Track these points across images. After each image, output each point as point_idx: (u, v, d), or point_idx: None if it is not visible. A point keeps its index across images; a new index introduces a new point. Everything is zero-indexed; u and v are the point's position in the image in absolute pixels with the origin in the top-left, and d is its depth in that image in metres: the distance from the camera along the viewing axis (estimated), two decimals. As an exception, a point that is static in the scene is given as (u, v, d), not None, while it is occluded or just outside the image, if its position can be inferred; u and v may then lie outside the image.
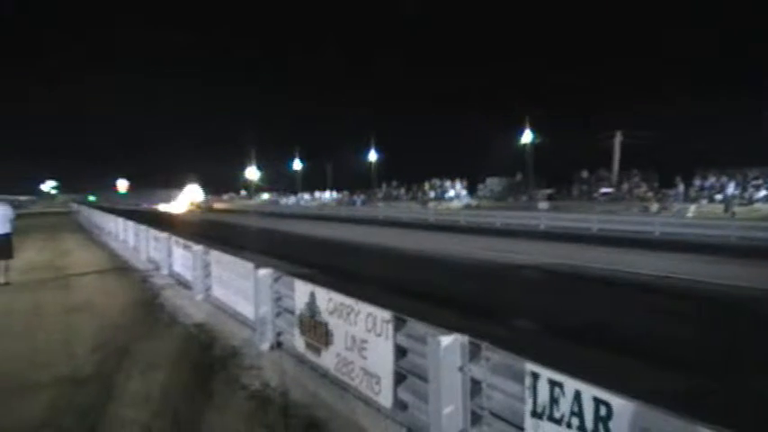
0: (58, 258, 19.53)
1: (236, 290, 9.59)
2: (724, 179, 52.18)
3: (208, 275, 11.32)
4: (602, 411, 3.09)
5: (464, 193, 78.59)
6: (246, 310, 8.82)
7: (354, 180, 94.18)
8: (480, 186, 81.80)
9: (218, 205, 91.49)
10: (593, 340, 8.18)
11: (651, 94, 77.77)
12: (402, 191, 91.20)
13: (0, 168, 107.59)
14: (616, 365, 6.86)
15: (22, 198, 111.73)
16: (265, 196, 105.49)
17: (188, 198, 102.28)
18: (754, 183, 49.79)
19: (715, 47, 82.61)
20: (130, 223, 22.91)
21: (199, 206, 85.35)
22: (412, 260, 18.84)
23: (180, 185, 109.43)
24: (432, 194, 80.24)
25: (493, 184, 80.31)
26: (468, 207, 61.24)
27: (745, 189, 50.13)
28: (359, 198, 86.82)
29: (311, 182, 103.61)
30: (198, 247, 11.83)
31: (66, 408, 5.74)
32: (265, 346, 7.78)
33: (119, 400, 5.91)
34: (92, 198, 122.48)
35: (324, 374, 6.41)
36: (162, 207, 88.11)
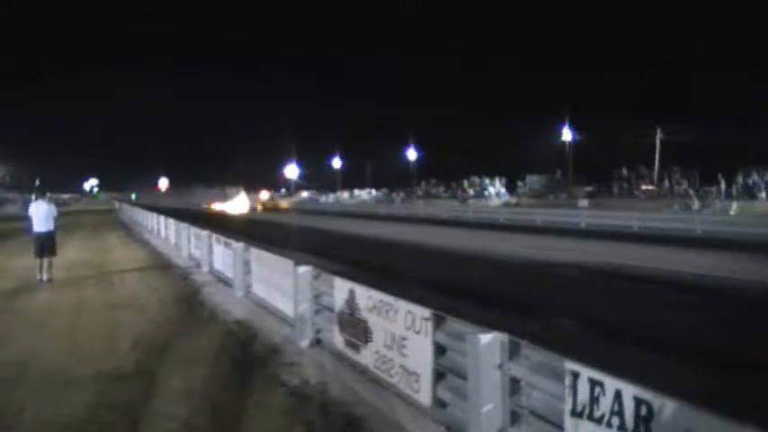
0: (100, 256, 19.91)
1: (275, 287, 9.64)
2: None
3: (248, 273, 11.41)
4: (643, 411, 3.04)
5: (503, 190, 78.15)
6: (286, 307, 8.86)
7: (394, 178, 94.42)
8: (520, 184, 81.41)
9: (283, 204, 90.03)
10: (635, 339, 8.04)
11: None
12: (441, 189, 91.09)
13: (44, 167, 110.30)
14: (657, 364, 6.73)
15: (65, 196, 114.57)
16: (305, 194, 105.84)
17: (246, 197, 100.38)
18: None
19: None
20: (171, 221, 23.23)
21: (264, 205, 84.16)
22: (452, 258, 18.78)
23: (222, 184, 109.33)
24: (471, 192, 79.98)
25: (533, 181, 79.87)
26: (507, 205, 60.79)
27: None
28: (398, 196, 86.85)
29: (350, 180, 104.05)
30: (238, 245, 11.92)
31: (108, 403, 5.82)
32: (305, 343, 7.81)
33: (160, 396, 5.98)
34: (133, 196, 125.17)
35: (362, 372, 6.41)
36: (219, 206, 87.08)
